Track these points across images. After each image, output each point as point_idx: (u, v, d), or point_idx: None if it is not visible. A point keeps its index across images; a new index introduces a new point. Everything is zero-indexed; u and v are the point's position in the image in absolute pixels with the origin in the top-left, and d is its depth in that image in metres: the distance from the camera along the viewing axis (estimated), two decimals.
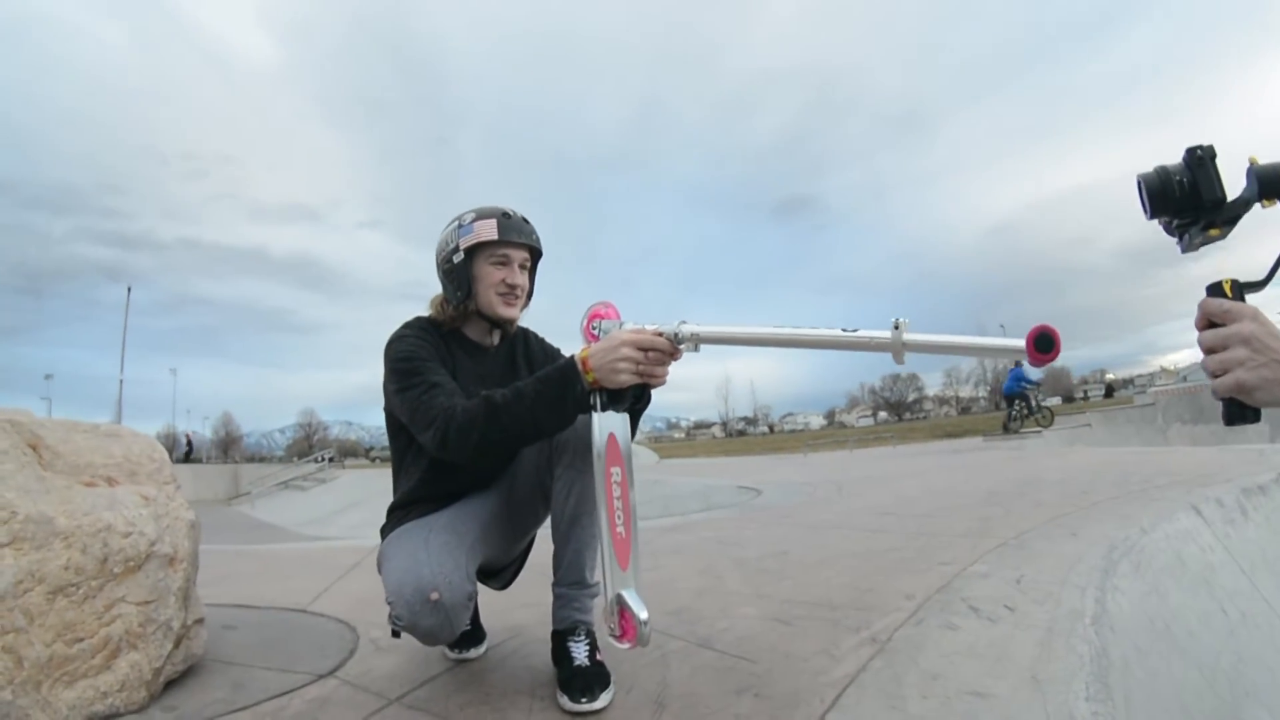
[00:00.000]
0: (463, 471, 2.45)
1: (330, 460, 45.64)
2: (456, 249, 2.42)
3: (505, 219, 2.41)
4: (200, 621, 2.68)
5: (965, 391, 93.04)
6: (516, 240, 2.42)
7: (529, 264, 2.53)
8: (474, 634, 2.71)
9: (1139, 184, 1.48)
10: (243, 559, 5.66)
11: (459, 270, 2.43)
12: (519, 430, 2.04)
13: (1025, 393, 23.05)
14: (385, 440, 2.60)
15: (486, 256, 2.42)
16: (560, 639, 2.36)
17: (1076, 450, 13.98)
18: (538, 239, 2.51)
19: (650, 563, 4.40)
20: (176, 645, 2.46)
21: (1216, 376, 1.33)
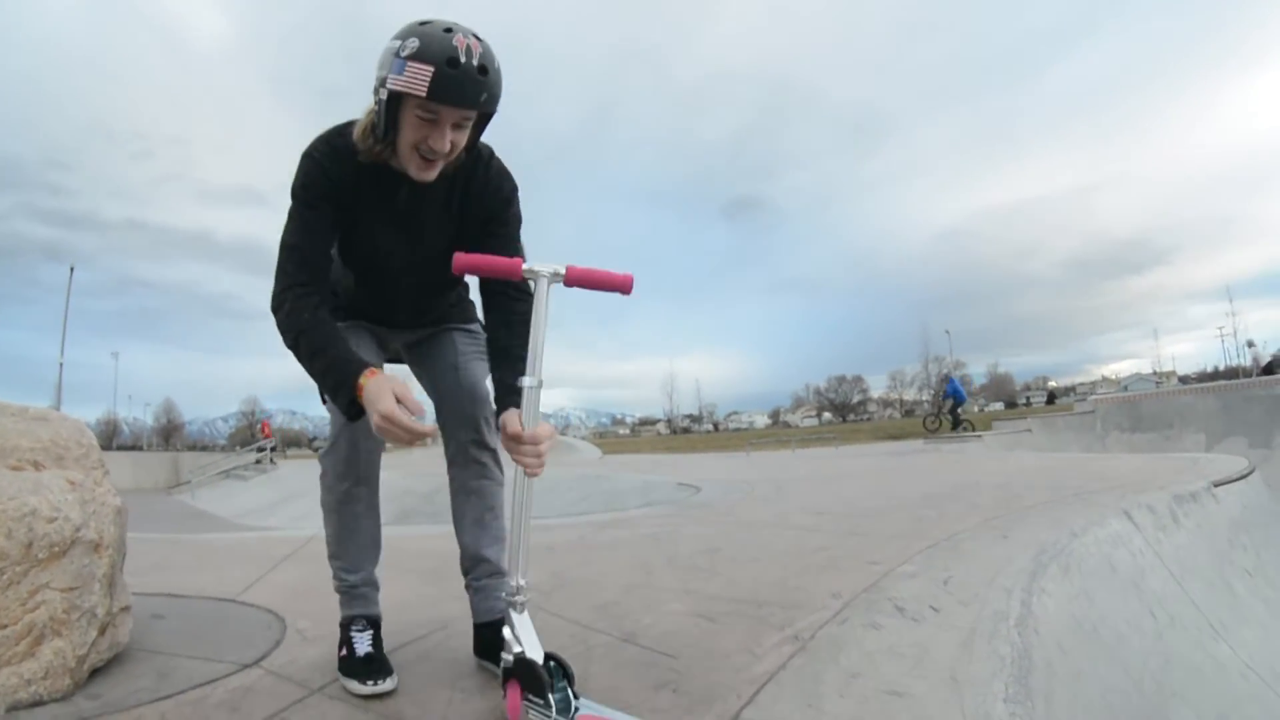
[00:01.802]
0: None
1: (273, 450, 45.03)
2: (385, 83, 1.96)
3: (448, 70, 1.87)
4: (126, 609, 2.62)
5: (910, 395, 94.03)
6: (452, 103, 1.94)
7: (469, 120, 2.05)
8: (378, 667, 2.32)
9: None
10: (177, 548, 5.52)
11: (382, 109, 2.01)
12: (310, 373, 2.01)
13: (957, 403, 24.11)
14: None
15: (413, 105, 1.96)
16: (495, 630, 2.27)
17: (1016, 455, 14.19)
18: (489, 98, 1.98)
19: (583, 558, 4.38)
20: (101, 633, 2.39)
21: None
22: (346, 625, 2.41)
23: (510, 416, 1.97)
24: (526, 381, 1.93)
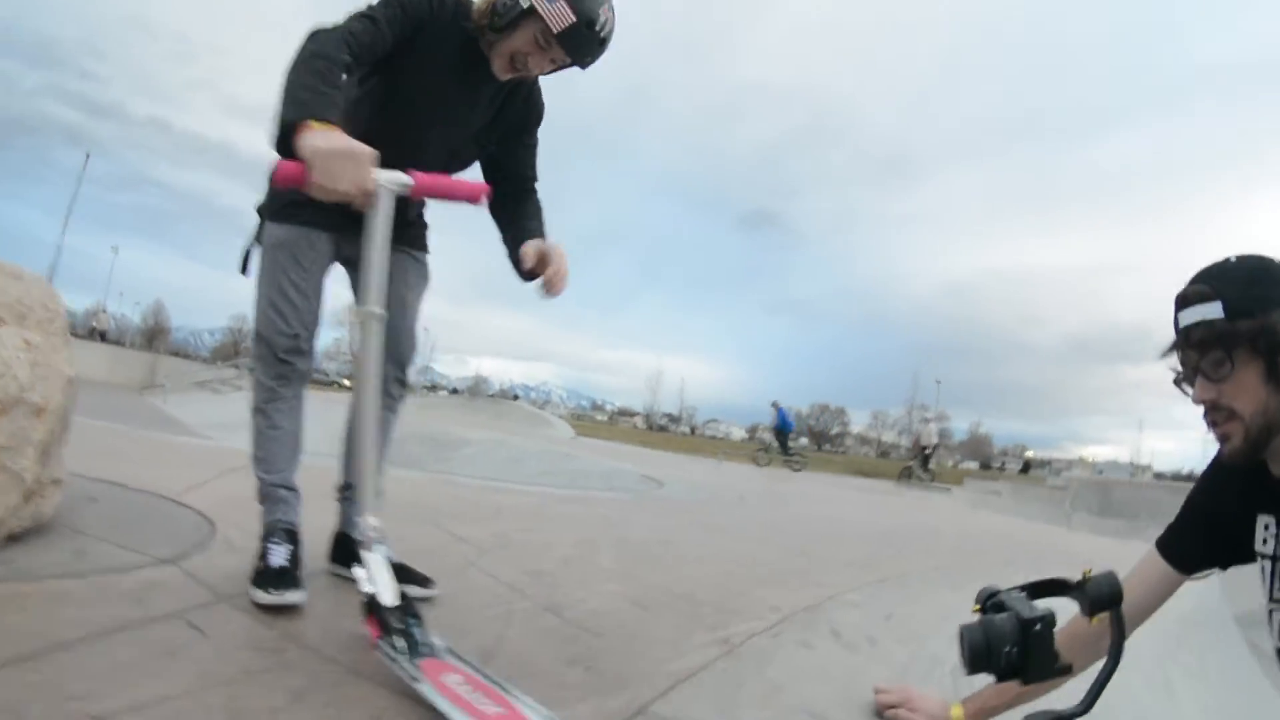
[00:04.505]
0: None
1: (251, 370, 44.83)
2: None
3: (585, 29, 2.12)
4: (57, 483, 2.52)
5: (888, 437, 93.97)
6: (567, 51, 2.19)
7: (563, 64, 2.30)
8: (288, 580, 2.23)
9: (961, 637, 1.42)
10: (131, 442, 5.42)
11: (514, 9, 2.16)
12: (285, 88, 1.89)
13: (784, 432, 23.84)
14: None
15: (536, 28, 2.15)
16: None
17: (981, 514, 14.14)
18: (591, 61, 2.26)
19: (531, 524, 4.31)
20: (26, 500, 2.30)
21: None
22: (266, 536, 2.33)
23: (527, 247, 2.25)
24: (363, 310, 1.95)
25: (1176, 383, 1.53)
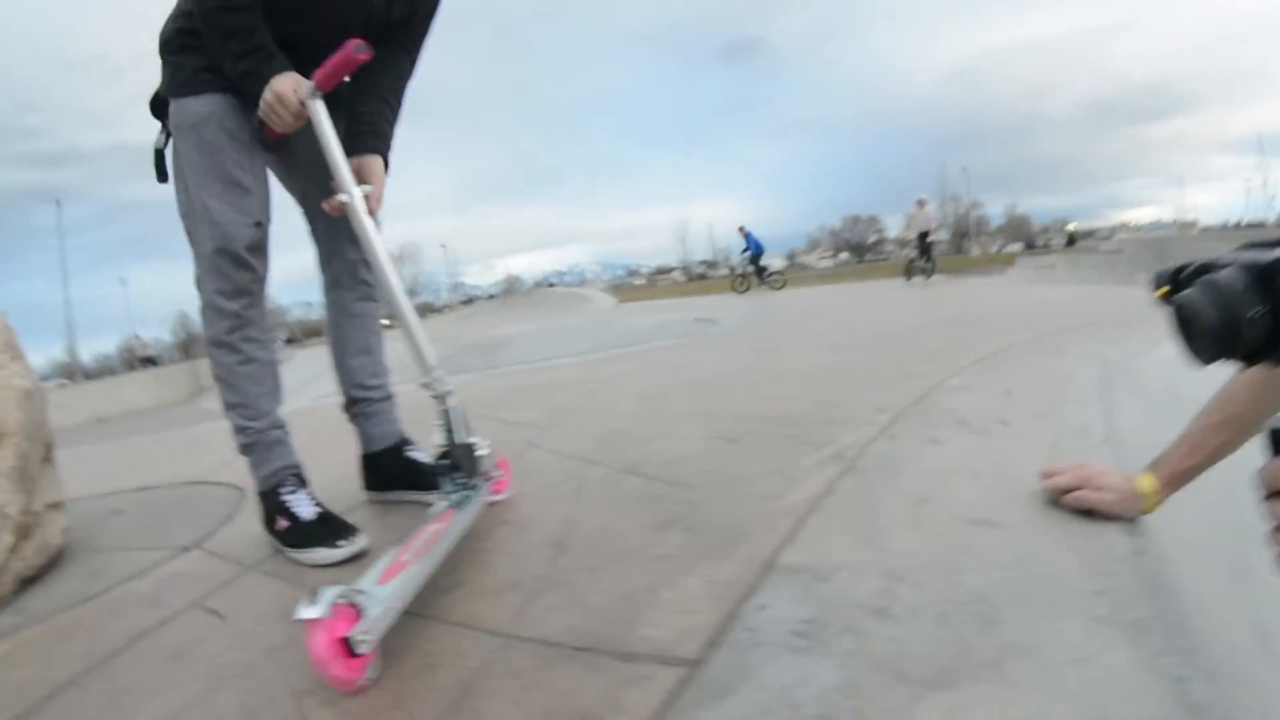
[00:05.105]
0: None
1: (289, 341, 44.76)
2: None
3: None
4: (56, 507, 2.22)
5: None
6: None
7: None
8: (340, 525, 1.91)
9: (1178, 314, 0.79)
10: (162, 445, 5.15)
11: None
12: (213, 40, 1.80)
13: (757, 255, 23.04)
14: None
15: None
16: (394, 456, 2.18)
17: (1044, 289, 13.67)
18: None
19: (588, 390, 3.95)
20: (25, 536, 2.00)
21: None
22: (272, 491, 1.96)
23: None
24: (344, 198, 1.81)
25: None
